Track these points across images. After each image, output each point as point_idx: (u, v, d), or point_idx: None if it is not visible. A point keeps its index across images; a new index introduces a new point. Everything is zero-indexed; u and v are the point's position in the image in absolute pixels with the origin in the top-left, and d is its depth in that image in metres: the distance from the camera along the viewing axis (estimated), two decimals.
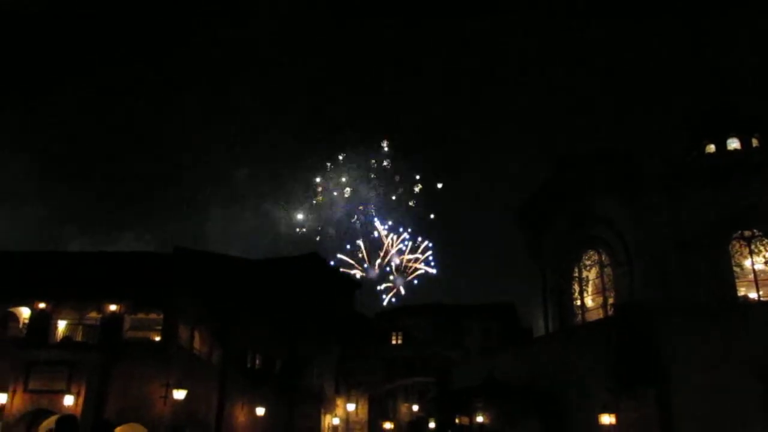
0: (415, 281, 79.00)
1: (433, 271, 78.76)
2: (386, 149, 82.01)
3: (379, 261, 78.54)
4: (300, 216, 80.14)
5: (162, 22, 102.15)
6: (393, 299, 76.41)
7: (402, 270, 78.69)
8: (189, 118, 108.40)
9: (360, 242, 78.87)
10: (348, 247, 78.99)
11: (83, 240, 79.27)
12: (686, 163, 34.69)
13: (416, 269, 78.98)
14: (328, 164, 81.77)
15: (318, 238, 79.76)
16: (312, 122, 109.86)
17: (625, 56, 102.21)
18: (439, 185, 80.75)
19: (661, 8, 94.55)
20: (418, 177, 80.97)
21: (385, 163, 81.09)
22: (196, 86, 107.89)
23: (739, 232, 32.01)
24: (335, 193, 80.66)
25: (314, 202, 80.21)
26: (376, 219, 79.15)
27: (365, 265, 78.30)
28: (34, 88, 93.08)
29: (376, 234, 78.87)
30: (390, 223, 79.29)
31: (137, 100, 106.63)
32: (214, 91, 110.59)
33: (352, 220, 79.58)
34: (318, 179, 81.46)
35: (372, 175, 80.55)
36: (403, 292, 77.56)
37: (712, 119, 38.07)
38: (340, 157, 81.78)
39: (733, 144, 36.04)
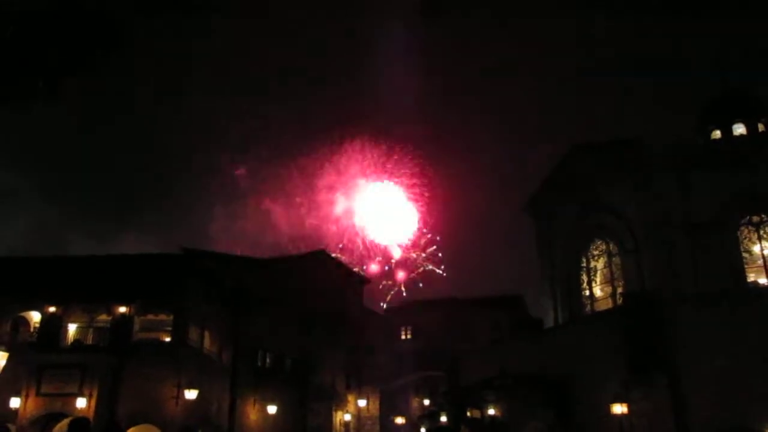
0: (420, 284, 77.88)
1: (441, 271, 77.75)
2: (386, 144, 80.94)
3: (379, 258, 77.86)
4: (301, 213, 79.47)
5: (160, 19, 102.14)
6: (387, 305, 75.17)
7: (407, 265, 77.90)
8: (187, 117, 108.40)
9: (359, 240, 78.14)
10: (341, 245, 77.73)
11: (87, 242, 79.34)
12: (694, 149, 34.54)
13: (420, 266, 78.07)
14: (328, 161, 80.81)
15: (318, 236, 78.72)
16: (312, 118, 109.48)
17: (632, 44, 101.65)
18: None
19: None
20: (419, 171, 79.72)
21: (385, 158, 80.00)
22: (196, 84, 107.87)
23: (747, 217, 31.89)
24: (334, 191, 79.66)
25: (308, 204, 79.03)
26: (376, 215, 78.24)
27: (363, 267, 77.47)
28: (32, 90, 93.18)
29: (375, 230, 77.89)
30: (391, 218, 78.34)
31: (136, 102, 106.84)
32: (211, 89, 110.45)
33: (352, 218, 78.71)
34: (318, 175, 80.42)
35: (371, 170, 79.55)
36: (404, 293, 76.63)
37: (717, 105, 37.89)
38: (340, 152, 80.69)
39: (739, 129, 35.89)
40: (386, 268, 76.73)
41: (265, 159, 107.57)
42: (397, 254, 76.65)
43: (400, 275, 76.02)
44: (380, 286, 73.27)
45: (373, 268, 75.86)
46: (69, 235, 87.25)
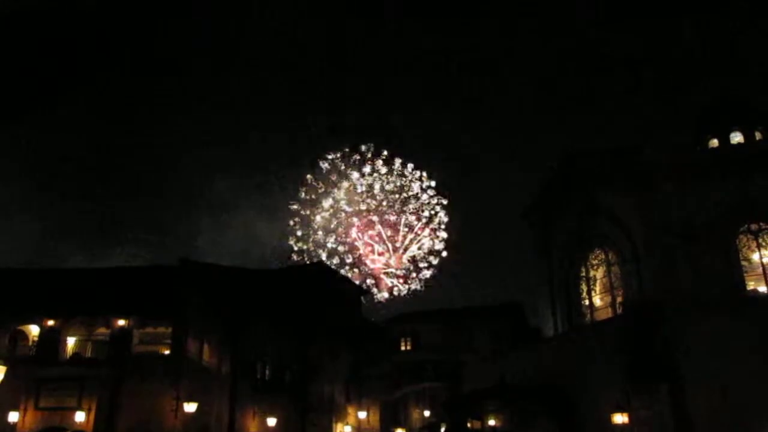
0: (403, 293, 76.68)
1: (421, 286, 75.82)
2: (378, 152, 79.92)
3: (364, 269, 76.93)
4: (289, 223, 78.96)
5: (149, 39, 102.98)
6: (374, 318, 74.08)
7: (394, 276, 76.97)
8: (176, 130, 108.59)
9: (344, 248, 77.35)
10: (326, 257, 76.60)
11: (78, 256, 79.30)
12: (692, 157, 34.60)
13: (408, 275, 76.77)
14: (313, 172, 79.67)
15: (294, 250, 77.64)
16: (297, 128, 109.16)
17: (630, 52, 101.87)
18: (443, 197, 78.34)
19: (666, 4, 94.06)
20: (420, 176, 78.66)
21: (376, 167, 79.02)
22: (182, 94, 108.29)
23: (746, 225, 31.88)
24: (317, 204, 78.59)
25: (296, 218, 78.09)
26: (356, 226, 77.41)
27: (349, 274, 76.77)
28: (22, 105, 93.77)
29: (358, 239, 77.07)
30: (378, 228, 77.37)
31: (124, 119, 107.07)
32: (198, 100, 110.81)
33: (333, 226, 77.68)
34: (304, 186, 79.43)
35: (357, 179, 78.56)
36: (383, 299, 75.53)
37: (714, 113, 37.96)
38: (326, 165, 79.70)
39: (737, 138, 35.95)
40: (371, 280, 75.77)
41: (247, 174, 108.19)
42: (382, 265, 75.77)
43: (386, 286, 75.16)
44: (364, 300, 72.45)
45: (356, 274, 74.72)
46: (57, 249, 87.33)
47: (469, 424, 33.13)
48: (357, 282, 69.70)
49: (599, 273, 35.88)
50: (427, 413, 53.86)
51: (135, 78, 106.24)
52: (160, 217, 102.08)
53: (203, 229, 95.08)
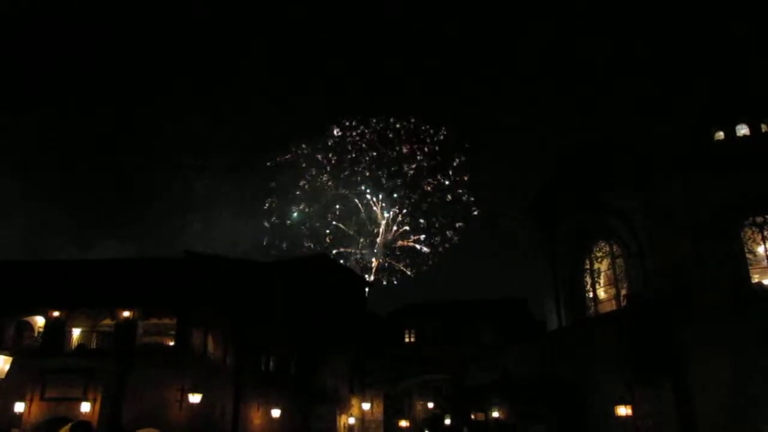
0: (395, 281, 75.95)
1: (410, 273, 75.17)
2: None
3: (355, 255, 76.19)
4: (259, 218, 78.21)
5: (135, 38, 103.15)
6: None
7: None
8: (158, 126, 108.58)
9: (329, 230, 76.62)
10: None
11: (69, 249, 79.42)
12: (696, 150, 34.49)
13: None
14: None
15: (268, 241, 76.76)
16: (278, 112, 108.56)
17: (633, 43, 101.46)
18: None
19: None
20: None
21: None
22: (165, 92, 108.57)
23: (751, 218, 31.81)
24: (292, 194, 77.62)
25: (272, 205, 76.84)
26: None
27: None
28: (10, 98, 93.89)
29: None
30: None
31: (106, 118, 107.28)
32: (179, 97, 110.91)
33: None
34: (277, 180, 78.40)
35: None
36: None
37: (720, 107, 37.83)
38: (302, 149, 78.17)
39: (742, 130, 35.82)
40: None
41: (224, 168, 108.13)
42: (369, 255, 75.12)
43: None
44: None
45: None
46: (46, 244, 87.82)
47: (472, 417, 33.25)
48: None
49: (603, 266, 35.86)
50: (430, 405, 54.03)
51: (130, 77, 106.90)
52: (147, 212, 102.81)
53: (188, 224, 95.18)
